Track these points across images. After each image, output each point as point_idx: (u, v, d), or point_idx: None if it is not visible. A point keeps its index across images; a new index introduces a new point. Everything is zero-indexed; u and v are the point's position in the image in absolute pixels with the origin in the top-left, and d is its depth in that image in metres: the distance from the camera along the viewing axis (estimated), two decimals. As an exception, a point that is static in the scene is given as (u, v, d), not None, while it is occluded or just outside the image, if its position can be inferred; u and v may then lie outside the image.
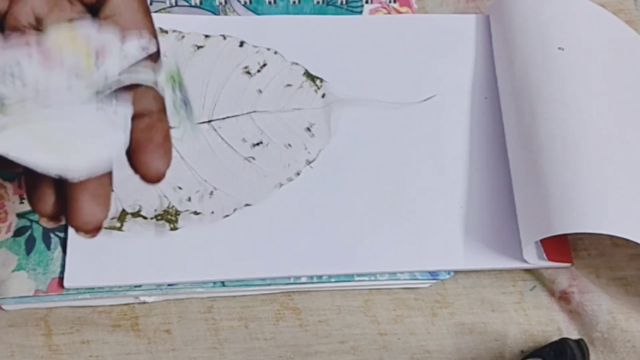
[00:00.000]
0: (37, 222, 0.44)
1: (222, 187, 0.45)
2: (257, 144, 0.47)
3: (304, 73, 0.49)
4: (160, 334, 0.43)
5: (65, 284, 0.42)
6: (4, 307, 0.43)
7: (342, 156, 0.47)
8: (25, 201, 0.44)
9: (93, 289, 0.42)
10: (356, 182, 0.47)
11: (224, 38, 0.50)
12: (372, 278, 0.45)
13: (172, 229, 0.44)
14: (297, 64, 0.49)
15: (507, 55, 0.50)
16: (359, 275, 0.44)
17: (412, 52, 0.52)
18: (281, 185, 0.46)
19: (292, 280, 0.44)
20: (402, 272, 0.45)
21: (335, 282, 0.44)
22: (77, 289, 0.42)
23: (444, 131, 0.49)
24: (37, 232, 0.44)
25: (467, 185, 0.47)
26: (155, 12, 0.51)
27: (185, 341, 0.43)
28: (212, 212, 0.44)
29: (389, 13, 0.54)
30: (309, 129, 0.48)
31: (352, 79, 0.50)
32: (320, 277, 0.44)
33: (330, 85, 0.49)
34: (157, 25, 0.48)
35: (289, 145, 0.47)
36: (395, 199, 0.46)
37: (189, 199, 0.44)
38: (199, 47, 0.49)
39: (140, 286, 0.43)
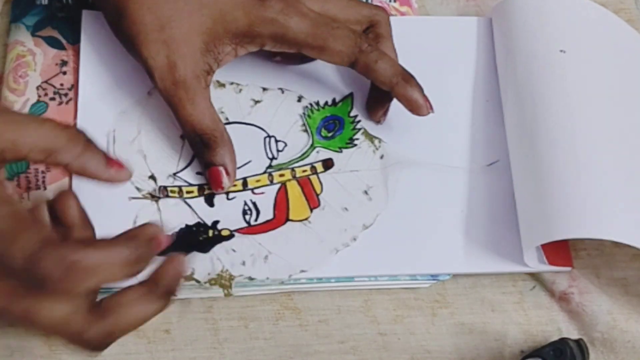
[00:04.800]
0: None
1: (277, 251, 0.43)
2: (315, 207, 0.45)
3: (363, 132, 0.48)
4: (159, 334, 0.43)
5: (65, 283, 0.42)
6: (3, 306, 0.43)
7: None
8: (25, 200, 0.44)
9: (93, 288, 0.42)
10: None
11: (282, 92, 0.48)
12: (372, 279, 0.45)
13: (226, 295, 0.42)
14: (358, 120, 0.48)
15: (510, 58, 0.50)
16: (359, 276, 0.44)
17: (413, 54, 0.51)
18: (337, 251, 0.44)
19: (292, 281, 0.44)
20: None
21: (335, 282, 0.44)
22: (77, 288, 0.42)
23: (445, 134, 0.49)
24: (37, 232, 0.43)
25: (468, 189, 0.47)
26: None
27: (185, 341, 0.43)
28: (267, 278, 0.43)
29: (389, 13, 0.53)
30: (366, 192, 0.46)
31: (351, 78, 0.50)
32: (320, 277, 0.44)
33: (388, 145, 0.47)
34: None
35: (346, 209, 0.45)
36: (396, 203, 0.46)
37: (243, 263, 0.43)
38: (257, 102, 0.47)
39: (139, 286, 0.43)
